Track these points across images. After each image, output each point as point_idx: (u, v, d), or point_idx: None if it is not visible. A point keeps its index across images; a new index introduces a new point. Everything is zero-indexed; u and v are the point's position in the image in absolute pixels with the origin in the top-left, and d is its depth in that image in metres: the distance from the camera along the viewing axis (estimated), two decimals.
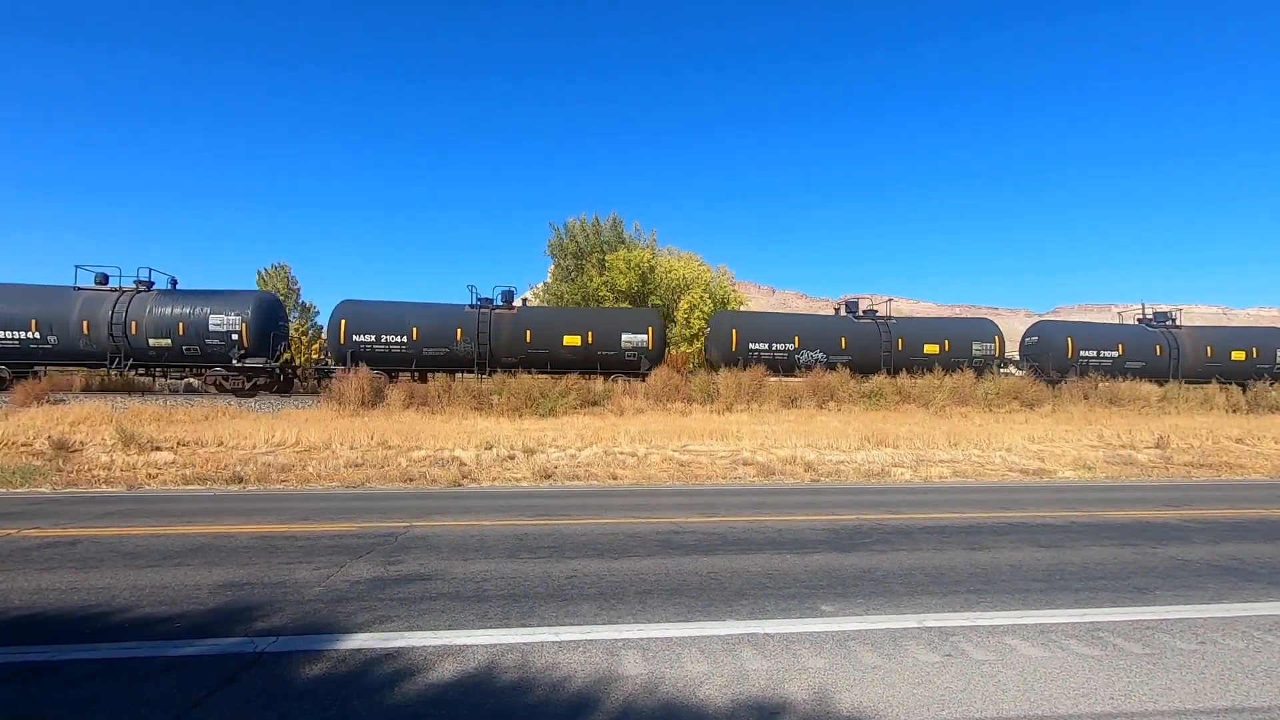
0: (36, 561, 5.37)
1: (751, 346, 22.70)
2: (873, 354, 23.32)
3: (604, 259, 32.60)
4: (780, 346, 22.89)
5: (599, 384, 20.49)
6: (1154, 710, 2.92)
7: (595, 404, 18.59)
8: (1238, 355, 23.56)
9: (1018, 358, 25.98)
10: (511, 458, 11.96)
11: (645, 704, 2.93)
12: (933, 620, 4.04)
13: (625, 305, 30.06)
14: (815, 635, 3.78)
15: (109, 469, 10.73)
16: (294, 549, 5.83)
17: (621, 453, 12.47)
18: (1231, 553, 5.97)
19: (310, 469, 10.90)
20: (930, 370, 22.36)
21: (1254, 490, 10.45)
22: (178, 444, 12.31)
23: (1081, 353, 23.21)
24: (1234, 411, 20.91)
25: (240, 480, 10.15)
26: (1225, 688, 3.15)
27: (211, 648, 3.57)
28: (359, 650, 3.52)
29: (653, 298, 31.24)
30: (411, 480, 10.41)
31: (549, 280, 36.24)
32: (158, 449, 11.99)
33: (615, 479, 10.83)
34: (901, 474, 11.62)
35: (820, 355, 22.81)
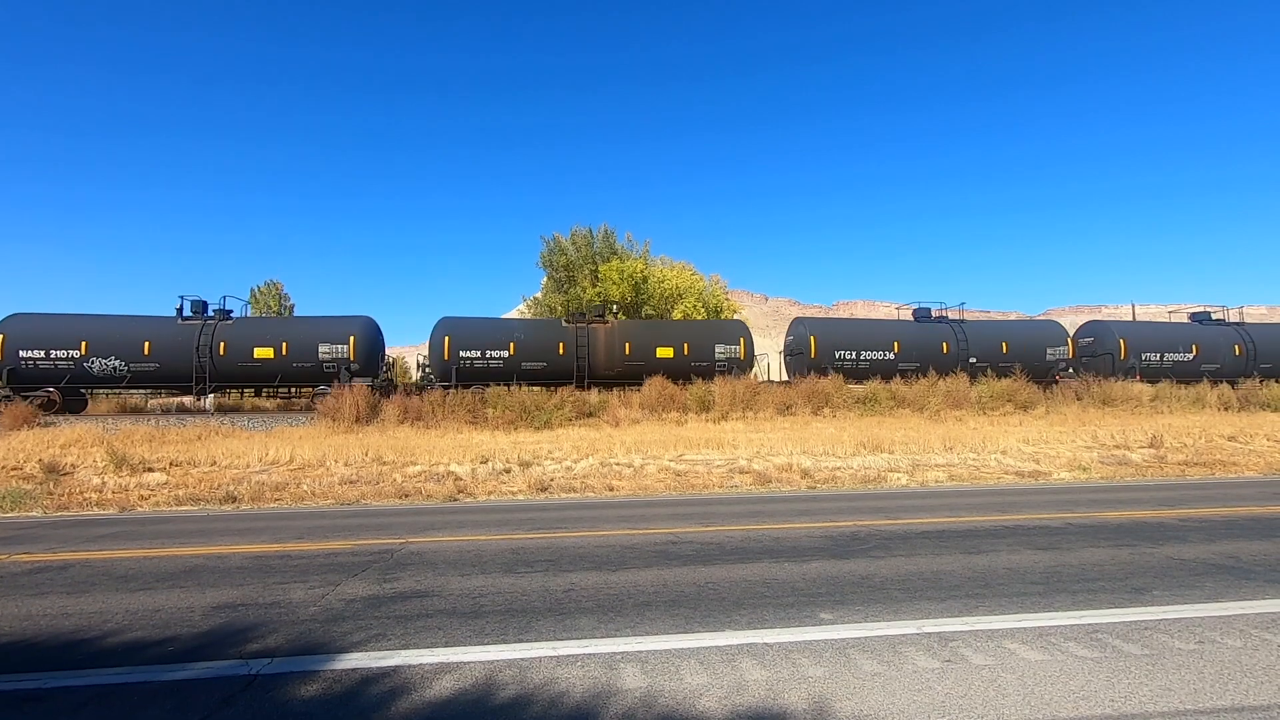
0: (26, 587, 5.31)
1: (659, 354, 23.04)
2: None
3: (597, 270, 32.67)
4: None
5: (594, 395, 20.48)
6: (1154, 711, 2.91)
7: (590, 415, 18.57)
8: (664, 352, 22.76)
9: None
10: (507, 471, 11.92)
11: (644, 717, 2.91)
12: (931, 626, 4.04)
13: (621, 316, 30.12)
14: (814, 644, 3.77)
15: (101, 491, 10.64)
16: (288, 568, 5.78)
17: (617, 464, 12.44)
18: (1227, 551, 5.99)
19: (304, 487, 10.83)
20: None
21: (1248, 488, 10.50)
22: (170, 465, 12.22)
23: (462, 353, 22.01)
24: (1226, 409, 21.06)
25: (234, 500, 10.07)
26: (1225, 687, 3.15)
27: (206, 671, 3.52)
28: (355, 669, 3.48)
29: (646, 307, 31.31)
30: (407, 496, 10.35)
31: (540, 294, 36.30)
32: (150, 470, 11.90)
33: (612, 490, 10.80)
34: (898, 479, 11.63)
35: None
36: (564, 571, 5.50)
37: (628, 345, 22.86)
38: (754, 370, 24.75)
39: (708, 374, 22.18)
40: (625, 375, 22.37)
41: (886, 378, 22.05)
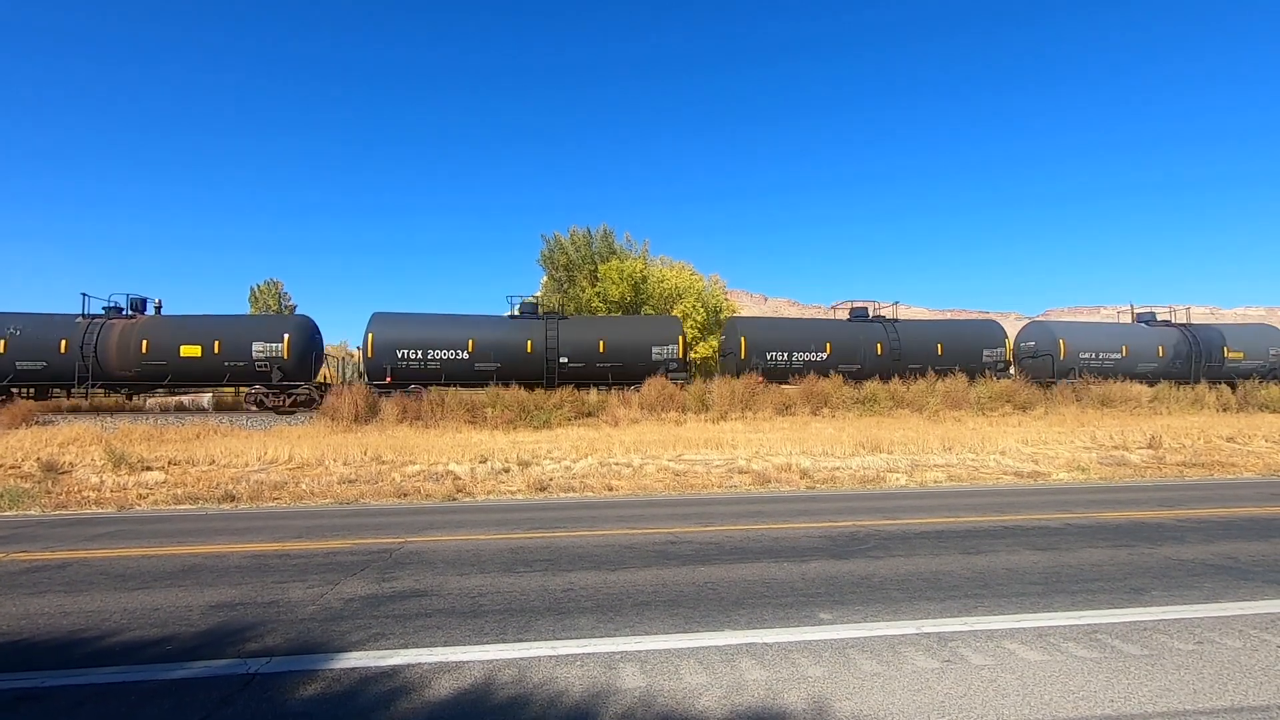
0: (24, 586, 5.30)
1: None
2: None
3: (596, 270, 32.69)
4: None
5: (593, 395, 20.48)
6: (1154, 712, 2.92)
7: (590, 415, 18.58)
8: (190, 351, 20.41)
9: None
10: (506, 471, 11.91)
11: (643, 716, 2.91)
12: (931, 626, 4.03)
13: (617, 315, 30.12)
14: (814, 644, 3.77)
15: (99, 490, 10.62)
16: (287, 567, 5.77)
17: (617, 463, 12.44)
18: (1226, 551, 5.99)
19: (303, 486, 10.82)
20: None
21: (1246, 489, 10.51)
22: (169, 463, 12.20)
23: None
24: (1225, 410, 21.11)
25: (232, 499, 10.05)
26: (1224, 687, 3.15)
27: (205, 670, 3.52)
28: (354, 669, 3.48)
29: (645, 307, 31.32)
30: (405, 495, 10.34)
31: (540, 292, 36.30)
32: (148, 469, 11.88)
33: (611, 490, 10.79)
34: (897, 479, 11.63)
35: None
36: (563, 571, 5.50)
37: (145, 343, 20.18)
38: (324, 371, 22.28)
39: (245, 375, 20.51)
40: (144, 377, 20.14)
41: (460, 377, 21.11)
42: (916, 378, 21.97)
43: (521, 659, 3.58)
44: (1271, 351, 25.65)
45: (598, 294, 31.21)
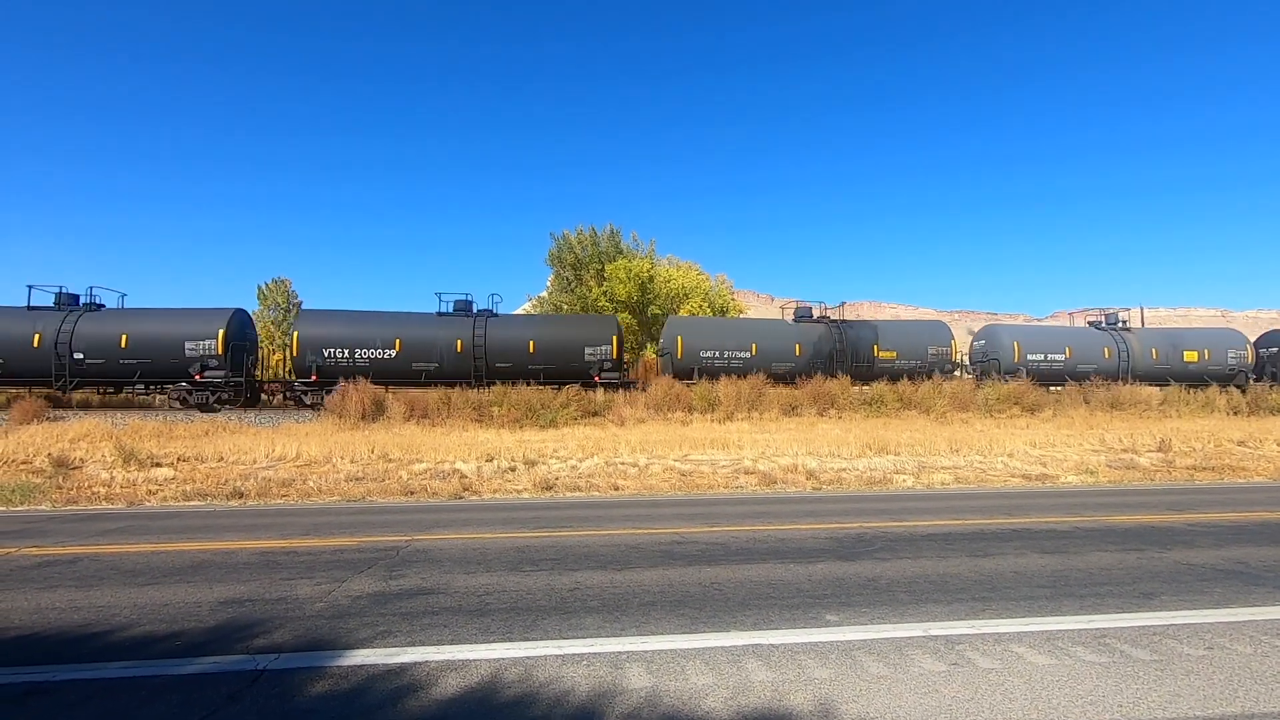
0: (36, 580, 5.35)
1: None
2: None
3: (602, 269, 32.72)
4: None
5: (599, 394, 20.50)
6: (1163, 718, 2.89)
7: (596, 414, 18.59)
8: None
9: None
10: (512, 469, 11.93)
11: (649, 716, 2.91)
12: (938, 629, 4.02)
13: (625, 315, 30.13)
14: (820, 645, 3.76)
15: (109, 486, 10.70)
16: (295, 564, 5.80)
17: (623, 463, 12.44)
18: (1236, 556, 5.94)
19: (311, 483, 10.88)
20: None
21: (1257, 493, 10.42)
22: (178, 460, 12.28)
23: None
24: (1235, 414, 20.93)
25: (240, 496, 10.12)
26: (1234, 694, 3.13)
27: (213, 666, 3.54)
28: (361, 666, 3.50)
29: (652, 307, 31.32)
30: (412, 493, 10.38)
31: (546, 292, 36.35)
32: (158, 465, 11.96)
33: (617, 490, 10.80)
34: (904, 481, 11.59)
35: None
36: (569, 570, 5.51)
37: None
38: None
39: None
40: None
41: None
42: (503, 379, 20.61)
43: (527, 658, 3.59)
44: (931, 351, 25.03)
45: (604, 293, 31.23)
